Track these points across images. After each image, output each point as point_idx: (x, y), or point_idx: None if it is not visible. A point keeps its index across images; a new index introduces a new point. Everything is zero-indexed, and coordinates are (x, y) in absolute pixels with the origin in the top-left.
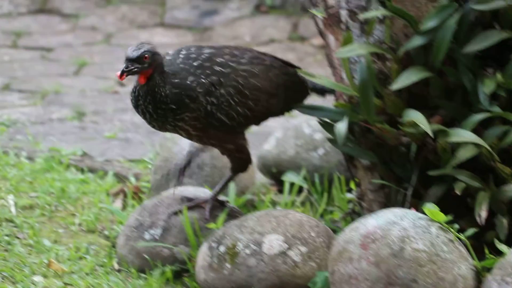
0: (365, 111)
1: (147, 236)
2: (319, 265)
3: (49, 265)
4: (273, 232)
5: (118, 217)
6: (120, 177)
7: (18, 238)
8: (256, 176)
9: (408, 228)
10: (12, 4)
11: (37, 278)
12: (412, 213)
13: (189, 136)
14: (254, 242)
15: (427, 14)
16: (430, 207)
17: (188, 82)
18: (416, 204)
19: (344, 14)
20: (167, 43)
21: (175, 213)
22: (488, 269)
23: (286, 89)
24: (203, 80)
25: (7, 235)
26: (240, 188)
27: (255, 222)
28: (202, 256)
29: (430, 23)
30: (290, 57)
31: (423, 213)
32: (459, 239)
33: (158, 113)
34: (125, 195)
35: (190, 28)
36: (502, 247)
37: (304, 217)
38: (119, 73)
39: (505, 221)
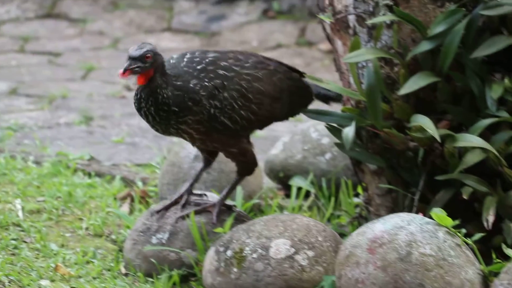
0: (373, 116)
1: (154, 240)
2: (326, 270)
3: (56, 269)
4: (280, 236)
5: (125, 221)
6: (127, 182)
7: (25, 242)
8: (263, 181)
9: (415, 232)
10: (20, 9)
11: (44, 282)
12: (419, 217)
13: (193, 140)
14: (261, 246)
15: (435, 19)
16: (437, 212)
17: (191, 85)
18: (424, 208)
19: (351, 19)
20: (175, 47)
21: (182, 218)
22: (495, 274)
23: (290, 94)
24: (207, 83)
25: (14, 239)
26: (247, 192)
27: (262, 227)
28: (209, 260)
29: (438, 28)
30: (297, 62)
31: (430, 217)
32: (466, 243)
33: (161, 116)
34: (132, 200)
35: (197, 33)
36: (509, 251)
37: (311, 221)
38: (121, 70)
39: None
